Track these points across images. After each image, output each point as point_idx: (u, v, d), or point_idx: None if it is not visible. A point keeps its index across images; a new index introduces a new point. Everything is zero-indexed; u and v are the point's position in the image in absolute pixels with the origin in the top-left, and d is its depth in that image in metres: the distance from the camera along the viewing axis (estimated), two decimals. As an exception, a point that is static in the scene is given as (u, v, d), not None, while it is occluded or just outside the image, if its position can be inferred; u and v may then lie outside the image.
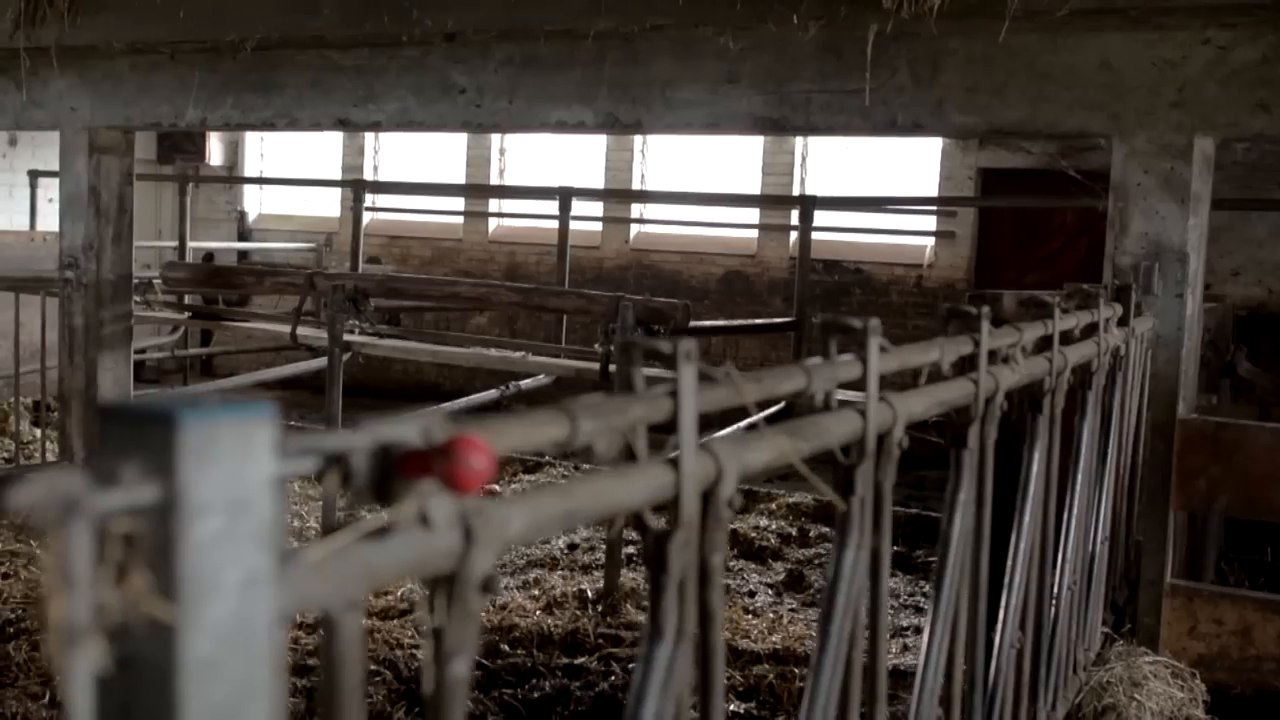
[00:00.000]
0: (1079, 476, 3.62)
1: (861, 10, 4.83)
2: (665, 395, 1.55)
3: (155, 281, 8.38)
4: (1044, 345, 3.12)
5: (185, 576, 0.92)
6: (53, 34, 6.71)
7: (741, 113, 5.59)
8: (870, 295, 11.39)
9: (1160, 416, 4.40)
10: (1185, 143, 4.79)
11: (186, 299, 10.12)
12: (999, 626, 3.03)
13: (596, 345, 6.46)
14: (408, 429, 1.12)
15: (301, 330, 7.27)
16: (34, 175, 12.99)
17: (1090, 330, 3.59)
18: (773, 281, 11.75)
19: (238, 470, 0.96)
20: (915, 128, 5.27)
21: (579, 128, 6.00)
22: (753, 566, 7.33)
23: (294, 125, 6.77)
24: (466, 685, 1.25)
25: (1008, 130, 5.15)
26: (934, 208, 11.18)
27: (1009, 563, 3.08)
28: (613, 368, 6.17)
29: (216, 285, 8.50)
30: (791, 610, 6.53)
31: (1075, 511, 3.57)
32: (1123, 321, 4.04)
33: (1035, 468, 3.12)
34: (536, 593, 6.60)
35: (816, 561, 7.38)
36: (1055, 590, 3.43)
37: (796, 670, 5.47)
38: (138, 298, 8.09)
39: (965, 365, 2.61)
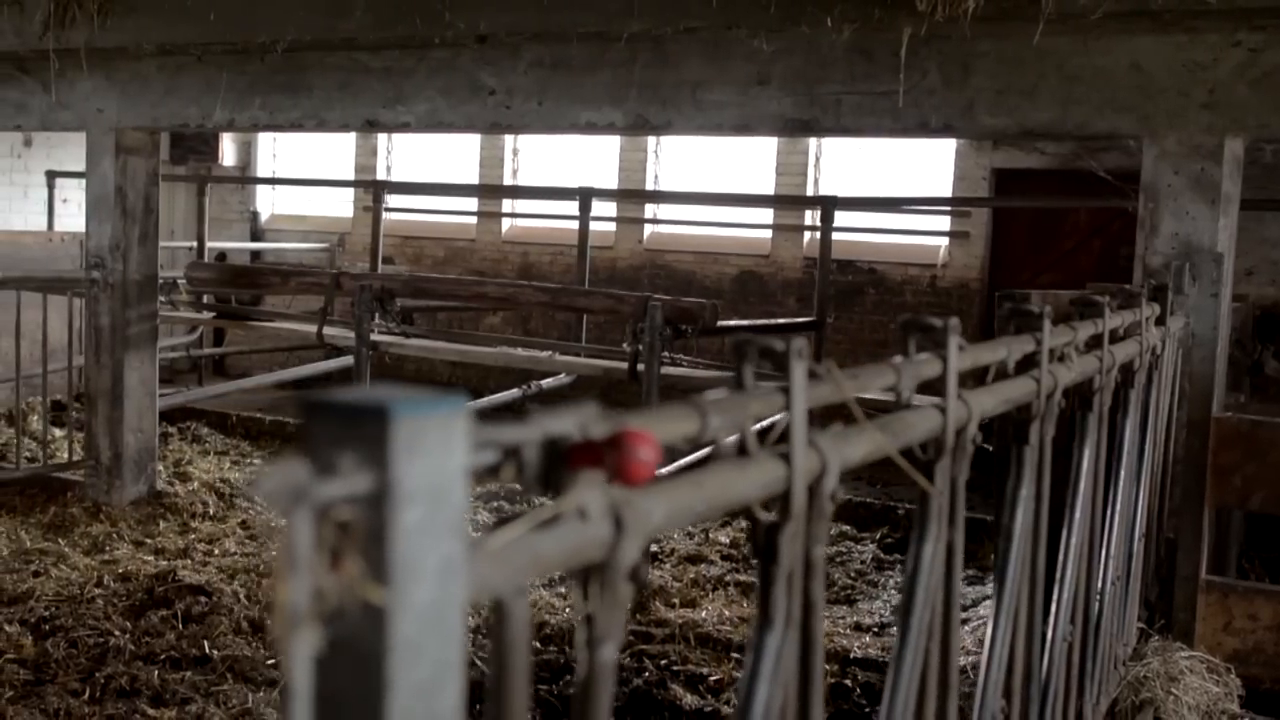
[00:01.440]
0: (1121, 473, 3.67)
1: (895, 13, 4.87)
2: (778, 392, 1.60)
3: (179, 281, 8.42)
4: (1092, 344, 3.17)
5: (396, 562, 0.97)
6: (82, 35, 6.76)
7: (771, 114, 5.64)
8: (884, 295, 11.44)
9: (1196, 414, 4.45)
10: (1216, 144, 4.84)
11: (203, 299, 10.17)
12: (1050, 620, 3.08)
13: (625, 345, 6.50)
14: (576, 423, 1.17)
15: (327, 330, 7.31)
16: (51, 175, 13.04)
17: (1132, 329, 3.64)
18: (786, 281, 11.80)
19: (438, 461, 1.01)
20: (946, 129, 5.32)
21: (609, 129, 6.05)
22: (775, 564, 7.36)
23: (322, 126, 6.82)
24: (613, 668, 1.30)
25: (1038, 132, 5.20)
26: (948, 208, 11.22)
27: (1060, 557, 3.13)
28: (640, 366, 6.22)
29: (241, 285, 8.54)
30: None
31: (1118, 508, 3.62)
32: (1159, 321, 4.09)
33: (1085, 464, 3.17)
34: (564, 590, 6.65)
35: (838, 559, 7.42)
36: (1100, 585, 3.48)
37: (827, 666, 5.51)
38: (162, 298, 8.13)
39: (1024, 364, 2.66)
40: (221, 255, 12.79)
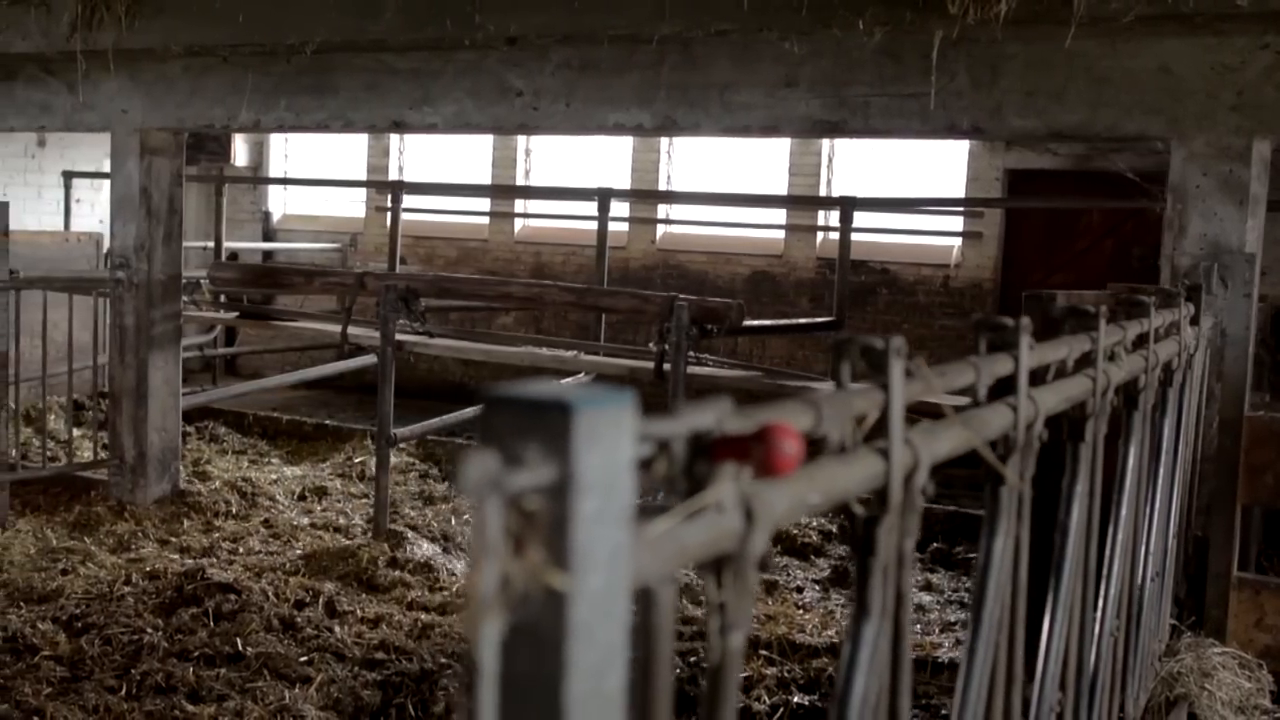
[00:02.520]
0: (1160, 471, 3.72)
1: (926, 16, 4.92)
2: (878, 389, 1.65)
3: (202, 281, 8.46)
4: (1136, 343, 3.22)
5: (575, 550, 1.02)
6: (110, 37, 6.80)
7: (800, 115, 5.68)
8: (897, 295, 11.49)
9: (1228, 413, 4.50)
10: (1244, 145, 4.89)
11: (220, 299, 10.21)
12: (1097, 615, 3.12)
13: (651, 344, 6.55)
14: (720, 417, 1.22)
15: (351, 330, 7.36)
16: (68, 176, 13.08)
17: (1169, 329, 3.69)
18: (799, 281, 11.85)
19: (611, 453, 1.05)
20: (975, 131, 5.37)
21: (637, 130, 6.10)
22: (797, 563, 7.43)
23: (349, 128, 6.87)
24: (742, 655, 1.35)
25: (1067, 134, 5.25)
26: (961, 209, 11.27)
27: (1107, 553, 3.18)
28: (666, 366, 6.26)
29: (265, 286, 8.58)
30: (840, 605, 6.63)
31: (1158, 505, 3.67)
32: (1193, 321, 4.14)
33: (1131, 461, 3.22)
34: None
35: (851, 560, 7.47)
36: (1141, 581, 3.53)
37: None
38: (185, 297, 8.17)
39: (1078, 363, 2.71)
40: (233, 255, 12.85)
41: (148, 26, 6.75)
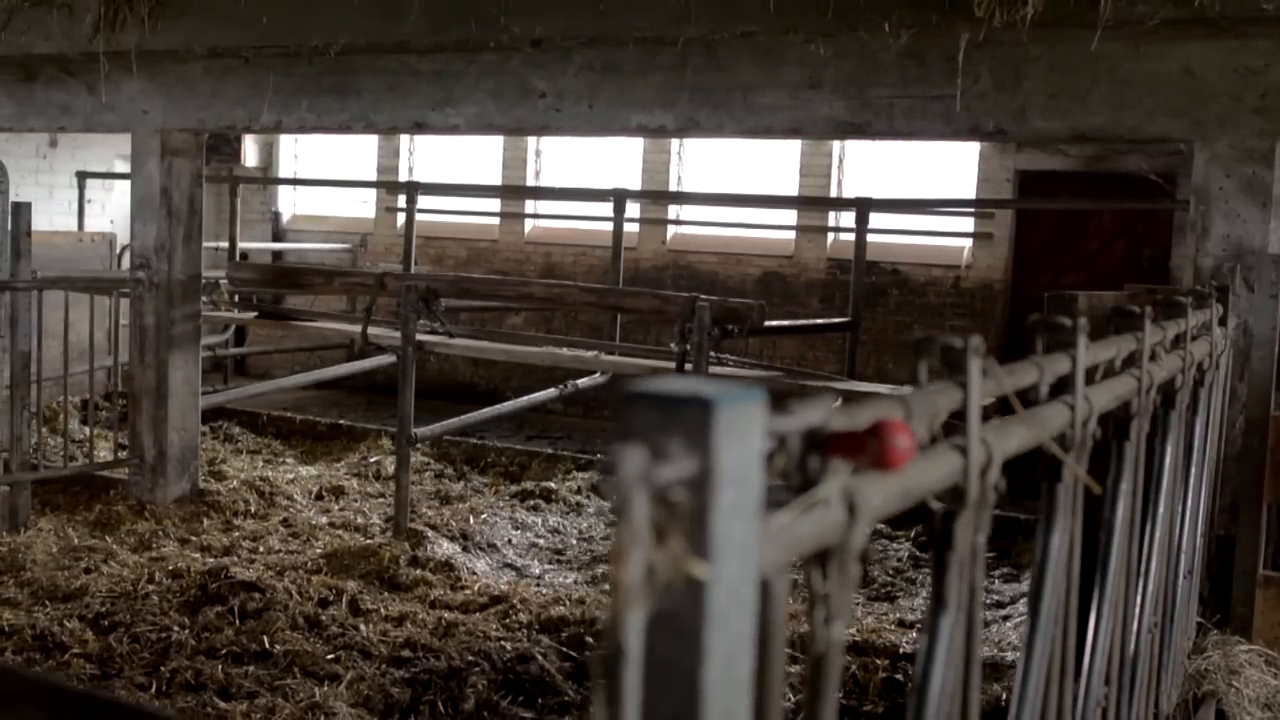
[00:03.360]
0: (1192, 470, 3.76)
1: (952, 19, 4.96)
2: (957, 387, 1.69)
3: (221, 282, 8.49)
4: (1173, 343, 3.26)
5: (714, 540, 1.06)
6: (133, 38, 6.84)
7: (823, 117, 5.72)
8: (908, 296, 11.53)
9: (1254, 413, 4.54)
10: (1267, 147, 4.94)
11: (234, 298, 10.25)
12: (1136, 611, 3.17)
13: (673, 344, 6.59)
14: (833, 414, 1.26)
15: (371, 330, 7.40)
16: (82, 176, 13.13)
17: (1202, 330, 3.73)
18: (810, 282, 11.89)
19: (745, 447, 1.09)
20: (999, 133, 5.41)
21: (659, 131, 6.14)
22: (814, 562, 7.45)
23: (371, 128, 6.91)
24: (843, 644, 1.39)
25: (1090, 136, 5.29)
26: (972, 209, 11.32)
27: (1144, 550, 3.22)
28: (688, 366, 6.30)
29: (284, 286, 8.62)
30: (858, 604, 6.66)
31: (1190, 504, 3.71)
32: (1221, 321, 4.19)
33: (1168, 460, 3.26)
34: (608, 586, 6.74)
35: (874, 557, 7.51)
36: (1176, 579, 3.57)
37: (878, 661, 5.60)
38: (204, 298, 8.21)
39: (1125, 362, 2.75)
40: (244, 255, 12.88)
41: (171, 28, 6.78)
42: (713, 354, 6.36)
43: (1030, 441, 1.93)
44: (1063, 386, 2.24)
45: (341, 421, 10.59)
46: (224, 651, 5.57)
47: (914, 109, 5.54)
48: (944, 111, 5.43)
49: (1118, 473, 2.75)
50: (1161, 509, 3.25)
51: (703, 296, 6.51)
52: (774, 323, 7.74)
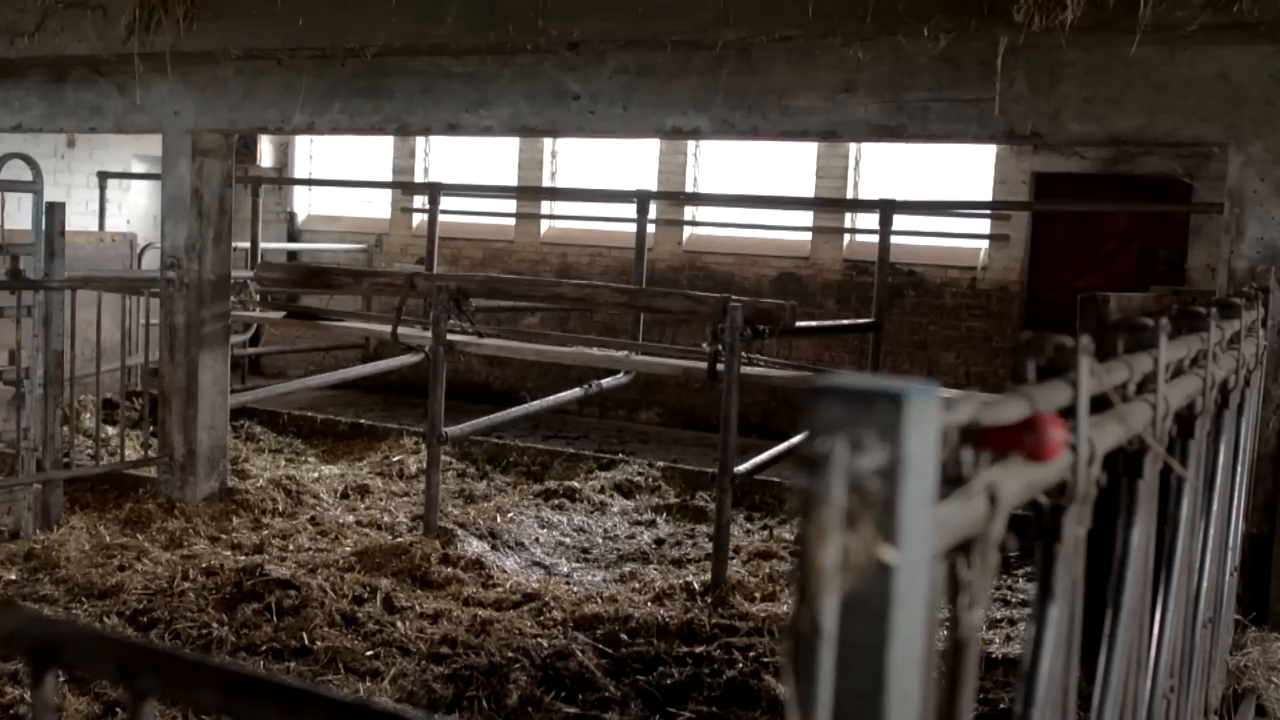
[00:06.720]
0: (1238, 467, 3.82)
1: (991, 23, 5.02)
2: (1067, 384, 1.75)
3: (249, 282, 8.55)
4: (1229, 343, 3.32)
5: (902, 526, 1.11)
6: (167, 40, 6.88)
7: (858, 120, 5.78)
8: (924, 297, 11.59)
9: (1293, 413, 4.61)
10: (1302, 151, 4.99)
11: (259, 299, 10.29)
12: (1193, 606, 3.22)
13: (705, 345, 6.65)
14: (986, 408, 1.32)
15: (401, 330, 7.45)
16: (103, 177, 13.18)
17: (1251, 329, 3.79)
18: (826, 283, 11.95)
19: (926, 438, 1.15)
20: (1034, 136, 5.47)
21: (694, 134, 6.19)
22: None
23: (404, 130, 6.97)
24: (980, 629, 1.45)
25: (1125, 139, 5.35)
26: (989, 212, 11.37)
27: (1200, 547, 3.28)
28: (720, 366, 6.36)
29: (313, 286, 8.68)
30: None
31: (1237, 500, 3.77)
32: (1264, 322, 4.24)
33: (1222, 458, 3.32)
34: (637, 585, 6.80)
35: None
36: (1226, 575, 3.63)
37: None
38: (233, 297, 8.27)
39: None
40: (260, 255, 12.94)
41: (206, 29, 6.83)
42: (743, 354, 6.41)
43: (1123, 437, 1.98)
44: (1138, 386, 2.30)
45: (362, 421, 10.65)
46: (264, 648, 5.63)
47: (949, 112, 5.59)
48: (979, 115, 5.49)
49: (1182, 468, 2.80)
50: (1215, 506, 3.31)
51: (734, 297, 6.57)
52: (809, 324, 7.79)
